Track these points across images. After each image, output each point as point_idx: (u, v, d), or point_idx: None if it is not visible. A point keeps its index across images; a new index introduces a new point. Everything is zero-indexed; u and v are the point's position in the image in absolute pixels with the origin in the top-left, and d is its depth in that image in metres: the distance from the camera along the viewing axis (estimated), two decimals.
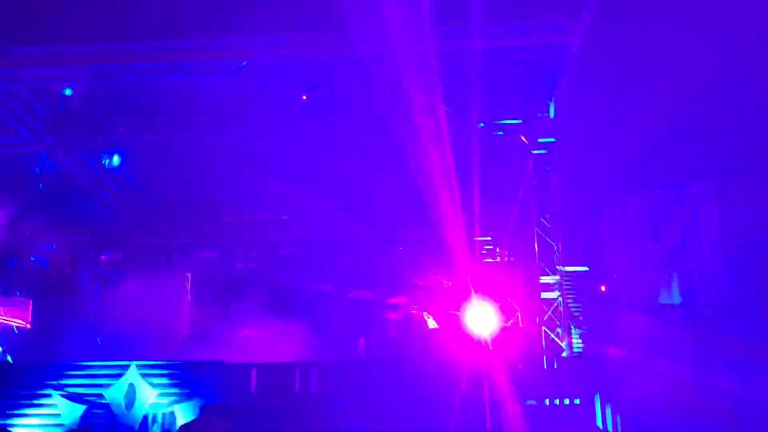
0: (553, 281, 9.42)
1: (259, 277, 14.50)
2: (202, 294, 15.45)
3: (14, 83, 9.81)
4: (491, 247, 14.75)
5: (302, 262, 14.58)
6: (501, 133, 10.78)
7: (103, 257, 15.00)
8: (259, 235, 15.18)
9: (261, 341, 12.94)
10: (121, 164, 13.31)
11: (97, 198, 13.42)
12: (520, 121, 10.07)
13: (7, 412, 8.24)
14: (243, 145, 11.66)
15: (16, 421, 8.28)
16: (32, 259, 13.91)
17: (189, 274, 15.48)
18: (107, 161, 13.13)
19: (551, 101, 9.34)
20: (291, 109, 10.94)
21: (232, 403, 8.02)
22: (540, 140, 9.48)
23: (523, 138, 9.52)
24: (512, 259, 14.16)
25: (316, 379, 8.25)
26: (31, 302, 12.82)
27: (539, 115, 9.30)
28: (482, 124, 10.59)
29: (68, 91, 10.88)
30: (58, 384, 8.42)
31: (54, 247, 14.36)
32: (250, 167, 12.78)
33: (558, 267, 9.53)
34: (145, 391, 8.19)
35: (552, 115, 9.58)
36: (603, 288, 12.27)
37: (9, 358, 12.95)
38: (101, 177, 13.11)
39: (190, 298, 15.57)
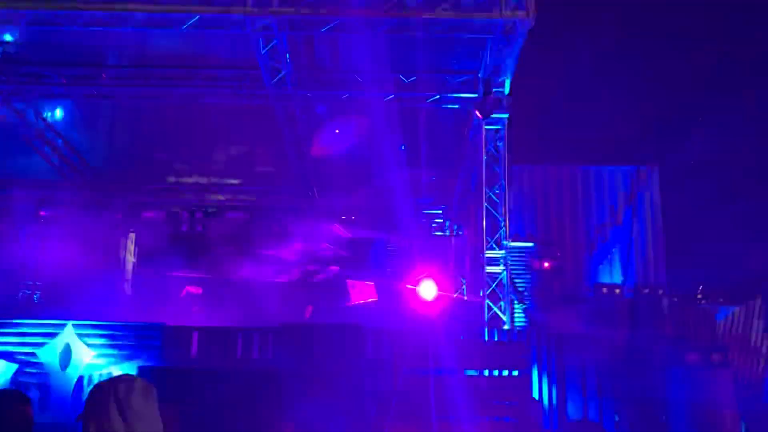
0: (499, 255, 9.56)
1: (205, 240, 14.34)
2: (145, 255, 15.16)
3: None
4: (441, 220, 14.92)
5: (249, 227, 14.46)
6: (456, 106, 10.80)
7: (42, 213, 14.51)
8: (205, 198, 14.98)
9: (203, 302, 12.84)
10: (64, 118, 12.80)
11: (37, 152, 12.92)
12: (475, 95, 10.07)
13: None
14: (192, 105, 11.33)
15: None
16: None
17: (133, 234, 15.16)
18: (49, 114, 12.60)
19: (507, 77, 9.35)
20: (239, 70, 10.66)
21: (172, 365, 7.90)
22: (494, 115, 9.50)
23: (477, 113, 9.53)
24: (460, 232, 14.38)
25: (258, 344, 8.20)
26: None
27: (495, 90, 9.31)
28: (436, 96, 10.59)
29: (8, 37, 10.30)
30: None
31: None
32: (198, 127, 12.50)
33: (504, 242, 9.67)
34: (81, 352, 7.99)
35: (507, 90, 9.61)
36: (546, 264, 12.59)
37: None
38: (42, 130, 12.60)
39: (133, 258, 15.27)
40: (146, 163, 13.87)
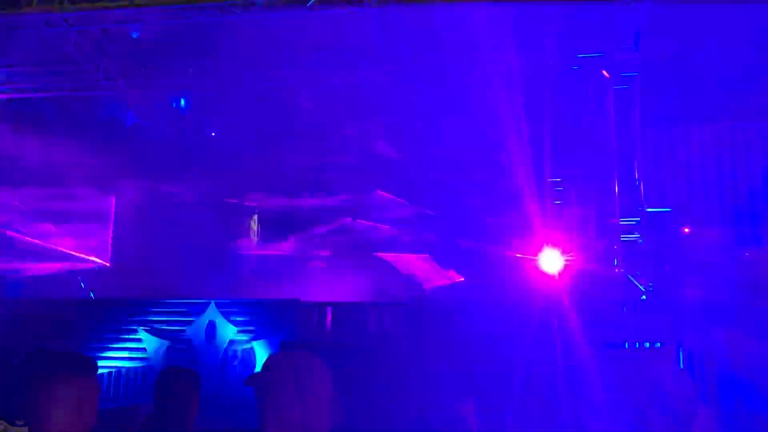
0: (634, 222, 9.05)
1: (328, 219, 14.65)
2: (271, 234, 15.74)
3: (89, 26, 9.91)
4: (561, 188, 14.35)
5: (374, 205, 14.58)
6: (576, 67, 10.27)
7: (174, 200, 15.40)
8: (322, 180, 15.23)
9: (329, 276, 13.16)
10: (188, 109, 13.45)
11: (171, 144, 13.66)
12: (601, 54, 9.52)
13: (95, 346, 8.60)
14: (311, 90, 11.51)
15: (103, 354, 8.67)
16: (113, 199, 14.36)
17: (256, 215, 15.78)
18: (176, 105, 13.28)
19: (637, 32, 8.75)
20: (362, 52, 10.66)
21: (308, 340, 8.14)
22: (623, 74, 8.93)
23: (605, 72, 9.00)
24: (585, 200, 13.77)
25: (390, 319, 8.29)
26: (110, 242, 13.35)
27: (623, 47, 8.73)
28: (561, 59, 10.11)
29: (134, 35, 10.90)
30: (142, 320, 8.75)
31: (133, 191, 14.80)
32: (302, 111, 12.71)
33: (639, 208, 9.13)
34: (225, 328, 8.42)
35: (636, 47, 8.99)
36: (687, 230, 11.77)
37: (92, 295, 13.62)
38: (172, 123, 13.30)
39: (257, 237, 15.91)
40: (268, 147, 14.29)
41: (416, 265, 12.54)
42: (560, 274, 9.95)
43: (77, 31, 10.04)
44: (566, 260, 9.84)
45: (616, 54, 8.73)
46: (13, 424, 2.89)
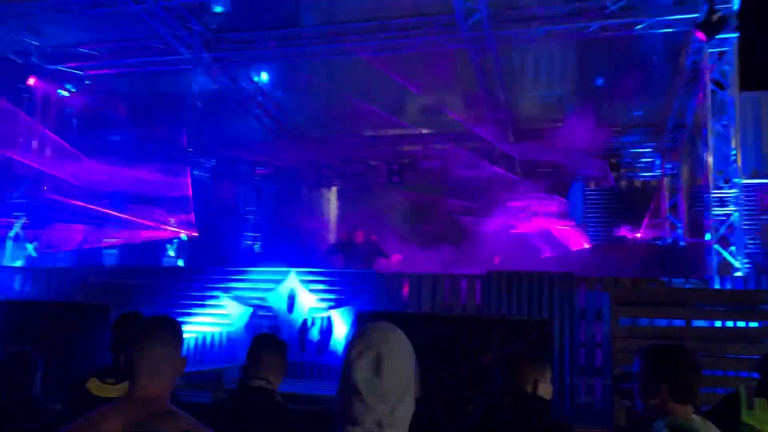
0: (730, 195, 8.53)
1: (402, 191, 14.66)
2: (348, 207, 15.96)
3: (170, 1, 10.20)
4: (650, 159, 13.72)
5: (443, 176, 14.46)
6: (671, 29, 9.69)
7: (257, 171, 15.83)
8: (400, 149, 15.19)
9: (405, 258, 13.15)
10: (270, 81, 13.70)
11: (249, 114, 14.01)
12: (694, 15, 8.94)
13: (182, 310, 8.99)
14: (384, 57, 11.44)
15: (189, 319, 9.05)
16: (194, 173, 14.94)
17: (335, 188, 16.00)
18: (257, 78, 13.56)
19: None
20: (431, 17, 10.48)
21: (385, 310, 8.19)
22: (720, 36, 8.34)
23: (699, 34, 8.43)
24: (673, 172, 13.13)
25: (466, 290, 8.22)
26: (193, 213, 13.91)
27: (721, 6, 8.14)
28: (647, 22, 9.57)
29: (218, 8, 11.10)
30: (227, 287, 9.06)
31: (213, 162, 15.32)
32: (389, 79, 12.63)
33: (735, 180, 8.59)
34: (304, 297, 8.61)
35: (736, 5, 8.37)
36: None
37: (180, 263, 14.28)
38: (253, 94, 13.61)
39: (337, 211, 16.16)
40: (343, 118, 14.39)
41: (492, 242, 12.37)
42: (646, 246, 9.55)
43: (162, 7, 10.35)
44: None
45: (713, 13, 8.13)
46: (105, 382, 3.06)
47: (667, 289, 7.42)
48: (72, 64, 12.39)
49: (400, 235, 13.56)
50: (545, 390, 3.03)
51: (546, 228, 12.79)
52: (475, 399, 3.28)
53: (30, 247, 12.21)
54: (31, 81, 12.26)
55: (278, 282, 8.79)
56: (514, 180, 13.40)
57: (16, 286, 9.67)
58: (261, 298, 8.86)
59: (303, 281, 8.67)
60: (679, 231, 12.49)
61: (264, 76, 13.39)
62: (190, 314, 9.06)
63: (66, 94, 12.87)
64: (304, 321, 8.56)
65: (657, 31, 9.78)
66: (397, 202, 14.61)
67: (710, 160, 8.70)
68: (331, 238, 15.53)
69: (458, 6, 9.33)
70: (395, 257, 13.00)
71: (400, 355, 1.73)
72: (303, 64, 12.47)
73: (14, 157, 12.19)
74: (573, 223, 13.08)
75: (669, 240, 12.62)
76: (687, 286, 7.86)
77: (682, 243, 12.35)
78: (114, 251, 13.27)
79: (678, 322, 6.61)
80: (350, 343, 1.75)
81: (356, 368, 1.68)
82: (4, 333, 7.15)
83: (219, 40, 11.61)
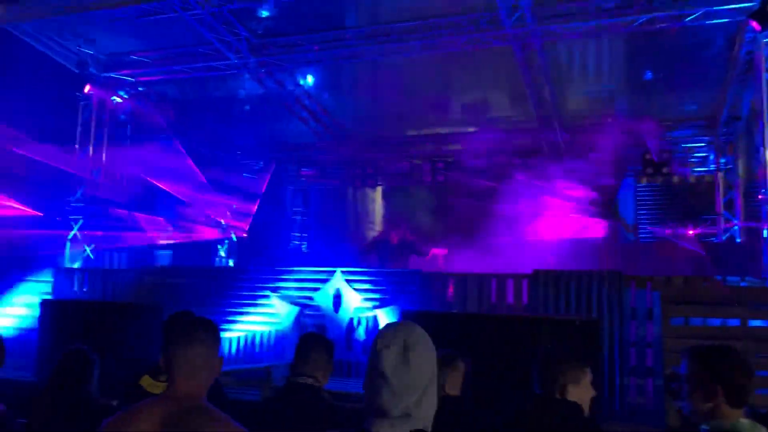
0: None
1: (446, 189, 14.60)
2: (393, 206, 16.01)
3: (217, 7, 10.44)
4: (704, 154, 13.30)
5: (487, 174, 14.32)
6: (725, 20, 9.38)
7: (303, 172, 16.03)
8: (444, 148, 15.14)
9: (448, 255, 13.12)
10: (315, 83, 13.87)
11: (295, 116, 14.20)
12: (749, 3, 8.64)
13: (232, 309, 9.19)
14: (426, 56, 11.43)
15: (239, 318, 9.25)
16: (244, 175, 15.26)
17: (380, 187, 16.06)
18: (303, 81, 13.74)
19: None
20: (475, 14, 10.41)
21: (429, 309, 8.20)
22: None
23: (754, 24, 8.15)
24: (728, 167, 12.71)
25: (513, 289, 8.15)
26: (252, 216, 14.24)
27: None
28: (697, 13, 9.30)
29: (264, 13, 11.28)
30: (275, 287, 9.23)
31: (261, 164, 15.59)
32: (433, 78, 12.62)
33: None
34: (350, 296, 8.69)
35: None
36: None
37: (231, 263, 14.58)
38: (299, 96, 13.79)
39: (382, 210, 16.22)
40: (388, 118, 14.43)
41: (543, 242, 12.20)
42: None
43: (210, 13, 10.60)
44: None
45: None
46: (157, 380, 3.18)
47: (722, 287, 7.20)
48: (125, 72, 12.80)
49: (443, 234, 13.54)
50: (579, 393, 2.96)
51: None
52: (511, 402, 3.25)
53: (87, 249, 12.68)
54: (87, 89, 12.70)
55: (325, 281, 8.90)
56: (558, 176, 13.19)
57: (75, 287, 10.06)
58: (308, 298, 8.99)
59: (348, 281, 8.76)
60: (735, 228, 12.10)
61: (309, 79, 13.56)
62: (240, 313, 9.27)
63: (119, 100, 13.30)
64: (351, 320, 8.65)
65: (709, 22, 9.48)
66: (441, 201, 14.57)
67: (767, 153, 8.40)
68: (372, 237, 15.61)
69: (502, 2, 9.25)
70: (439, 251, 12.99)
71: (425, 347, 1.78)
72: (347, 66, 12.58)
73: (71, 162, 12.68)
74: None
75: (724, 237, 12.23)
76: (742, 284, 7.62)
77: (737, 240, 11.96)
78: (167, 252, 13.65)
79: (732, 322, 6.41)
80: (377, 336, 1.80)
81: (384, 357, 1.73)
82: (63, 332, 7.46)
83: (265, 44, 11.81)
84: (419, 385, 1.73)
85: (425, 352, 1.77)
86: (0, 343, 2.10)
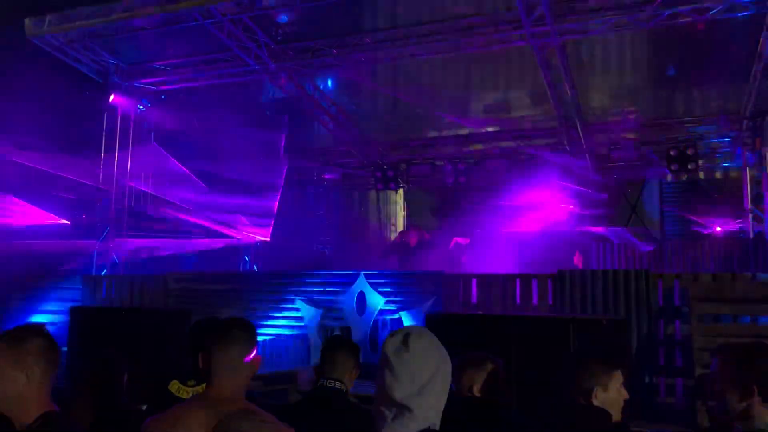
0: None
1: (468, 190, 14.56)
2: (415, 207, 16.02)
3: (238, 15, 10.52)
4: (728, 149, 13.09)
5: (508, 174, 14.26)
6: (747, 11, 9.23)
7: (326, 176, 16.09)
8: (465, 149, 15.08)
9: (471, 249, 13.09)
10: (334, 86, 13.94)
11: (316, 120, 14.27)
12: None
13: (258, 313, 9.25)
14: (455, 57, 11.43)
15: (265, 321, 9.30)
16: (266, 181, 15.33)
17: (402, 189, 16.07)
18: (323, 85, 13.82)
19: None
20: (493, 16, 10.38)
21: (453, 311, 8.18)
22: None
23: None
24: (757, 161, 12.49)
25: (537, 290, 8.08)
26: (272, 221, 14.32)
27: None
28: (721, 7, 9.15)
29: (283, 19, 11.38)
30: (299, 290, 9.27)
31: (284, 169, 15.67)
32: (453, 79, 12.62)
33: None
34: (374, 299, 8.70)
35: None
36: None
37: (255, 268, 14.69)
38: (319, 100, 13.86)
39: (404, 212, 16.24)
40: (408, 120, 14.43)
41: (563, 240, 12.13)
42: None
43: (229, 20, 10.69)
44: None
45: None
46: (185, 384, 3.21)
47: (752, 284, 7.05)
48: (147, 80, 12.97)
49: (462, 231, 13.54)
50: (608, 398, 2.85)
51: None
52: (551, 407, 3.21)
53: (114, 256, 12.86)
54: (111, 98, 12.89)
55: (348, 285, 8.91)
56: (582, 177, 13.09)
57: (103, 294, 10.20)
58: (332, 300, 9.01)
59: (372, 283, 8.76)
60: (764, 224, 11.88)
61: (329, 83, 13.63)
62: (265, 317, 9.32)
63: (143, 108, 13.48)
64: (375, 322, 8.65)
65: (732, 15, 9.34)
66: (464, 202, 14.54)
67: None
68: (392, 240, 15.65)
69: (520, 1, 9.20)
70: (462, 240, 12.97)
71: (429, 340, 1.83)
72: (367, 69, 12.62)
73: (97, 171, 12.87)
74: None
75: (753, 233, 12.01)
76: None
77: (767, 236, 11.73)
78: (194, 258, 13.79)
79: (763, 319, 6.28)
80: (387, 336, 1.87)
81: (388, 343, 1.82)
82: (91, 339, 7.56)
83: (285, 50, 11.89)
84: (420, 372, 1.75)
85: (427, 343, 1.81)
86: (55, 345, 2.11)
